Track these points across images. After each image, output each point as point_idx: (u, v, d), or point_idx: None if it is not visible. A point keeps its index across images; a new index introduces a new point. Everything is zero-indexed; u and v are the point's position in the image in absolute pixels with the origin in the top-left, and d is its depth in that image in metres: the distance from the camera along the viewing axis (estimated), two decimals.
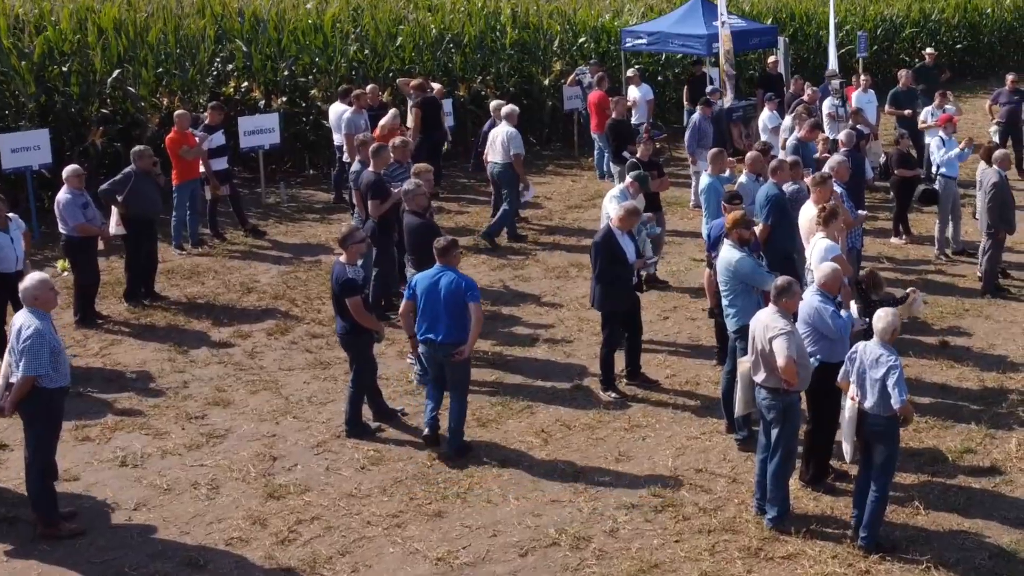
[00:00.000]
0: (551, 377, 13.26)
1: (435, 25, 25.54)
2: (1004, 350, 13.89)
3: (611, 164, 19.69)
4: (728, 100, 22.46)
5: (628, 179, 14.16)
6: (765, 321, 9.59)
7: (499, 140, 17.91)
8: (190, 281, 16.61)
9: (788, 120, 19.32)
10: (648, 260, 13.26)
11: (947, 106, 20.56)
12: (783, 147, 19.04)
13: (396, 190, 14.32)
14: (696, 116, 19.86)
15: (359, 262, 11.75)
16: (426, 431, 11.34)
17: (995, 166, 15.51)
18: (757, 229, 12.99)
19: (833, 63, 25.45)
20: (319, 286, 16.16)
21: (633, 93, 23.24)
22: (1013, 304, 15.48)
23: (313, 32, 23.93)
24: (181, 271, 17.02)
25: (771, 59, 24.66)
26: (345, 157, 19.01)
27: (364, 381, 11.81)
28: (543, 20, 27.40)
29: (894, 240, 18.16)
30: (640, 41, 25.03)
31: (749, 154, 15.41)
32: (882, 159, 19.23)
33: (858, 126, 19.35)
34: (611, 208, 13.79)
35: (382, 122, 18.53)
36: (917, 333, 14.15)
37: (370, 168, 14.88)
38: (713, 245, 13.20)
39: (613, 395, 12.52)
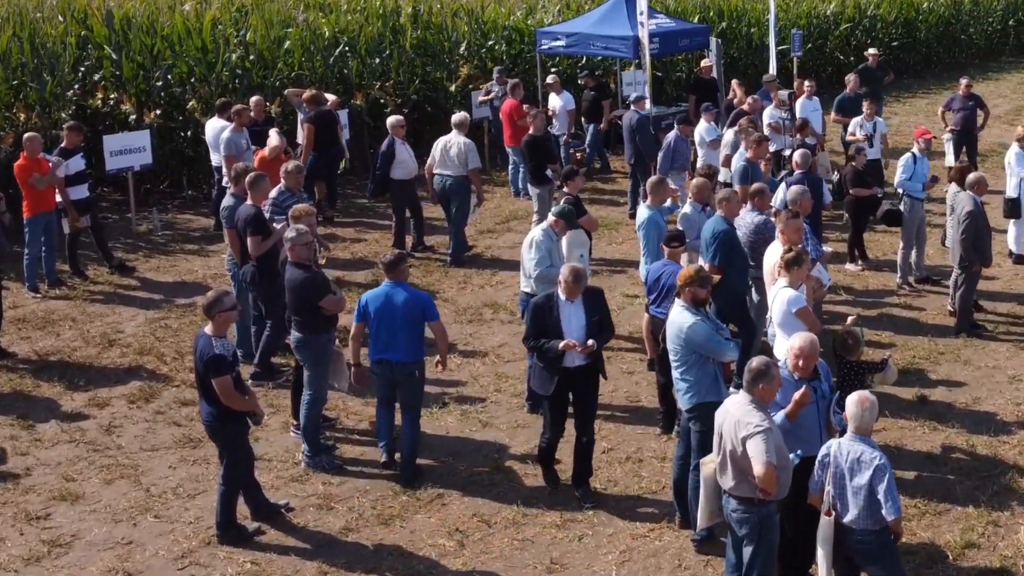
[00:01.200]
0: (465, 455, 11.56)
1: (328, 27, 23.74)
2: (991, 405, 12.50)
3: (529, 185, 17.94)
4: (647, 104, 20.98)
5: (551, 217, 12.42)
6: (736, 415, 7.92)
7: (452, 151, 17.09)
8: (43, 332, 14.82)
9: (730, 135, 17.79)
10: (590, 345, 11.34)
11: (877, 119, 19.14)
12: (723, 164, 17.58)
13: (281, 225, 12.59)
14: (671, 135, 18.30)
15: (231, 329, 9.98)
16: (384, 457, 11.15)
17: (968, 191, 14.22)
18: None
19: (773, 67, 24.09)
20: (192, 337, 14.17)
21: (553, 102, 21.67)
22: (992, 345, 14.14)
23: (191, 37, 21.92)
24: (34, 319, 15.24)
25: (704, 62, 23.21)
26: (225, 181, 17.13)
27: (237, 475, 9.99)
28: (448, 20, 25.66)
29: (850, 266, 16.77)
30: (558, 43, 23.53)
31: (694, 181, 13.81)
32: (835, 176, 17.76)
33: (806, 139, 17.92)
34: (529, 260, 12.21)
35: (270, 143, 16.68)
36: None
37: (248, 202, 13.01)
38: (657, 296, 11.61)
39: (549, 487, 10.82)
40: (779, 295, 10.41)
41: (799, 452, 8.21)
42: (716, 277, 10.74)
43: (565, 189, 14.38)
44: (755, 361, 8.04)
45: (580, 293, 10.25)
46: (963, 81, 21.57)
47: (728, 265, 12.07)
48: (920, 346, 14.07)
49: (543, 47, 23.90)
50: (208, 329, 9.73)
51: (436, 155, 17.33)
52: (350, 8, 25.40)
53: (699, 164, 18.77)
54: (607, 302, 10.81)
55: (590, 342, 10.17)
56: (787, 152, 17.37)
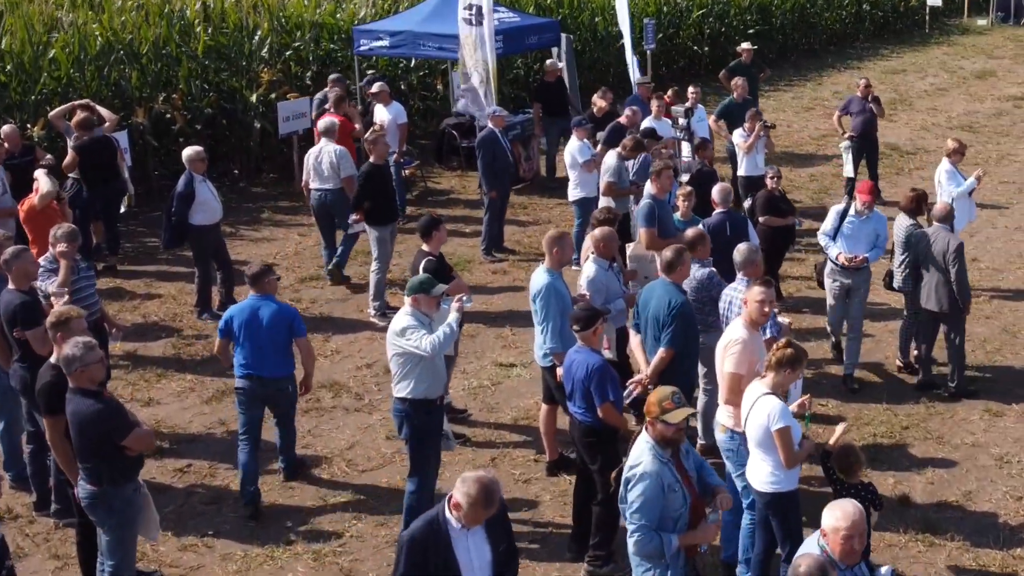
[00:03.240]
0: None
1: (101, 31, 20.86)
2: (988, 501, 10.80)
3: (365, 226, 15.55)
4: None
5: (407, 297, 10.02)
6: None
7: (324, 161, 16.22)
8: None
9: (610, 157, 15.73)
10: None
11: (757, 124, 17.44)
12: (605, 193, 15.61)
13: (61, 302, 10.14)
14: (612, 158, 16.01)
15: None
16: (249, 510, 10.72)
17: (941, 223, 12.78)
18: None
19: (634, 66, 22.32)
20: None
21: (381, 115, 19.31)
22: (959, 412, 12.54)
23: None
24: None
25: (550, 63, 21.34)
26: None
27: None
28: (245, 17, 23.05)
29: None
30: (380, 43, 21.48)
31: (596, 231, 11.63)
32: (747, 203, 15.98)
33: (706, 161, 16.05)
34: (399, 359, 9.88)
35: (39, 189, 13.86)
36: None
37: (10, 286, 10.36)
38: (570, 393, 9.53)
39: None
40: (759, 405, 8.39)
41: None
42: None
43: (425, 246, 12.09)
44: None
45: (488, 516, 7.10)
46: (861, 82, 20.15)
47: (684, 348, 10.26)
48: (877, 418, 12.33)
49: (361, 48, 21.75)
50: None
51: (309, 168, 16.47)
52: (125, 7, 22.52)
53: (572, 191, 16.82)
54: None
55: None
56: (683, 178, 15.37)
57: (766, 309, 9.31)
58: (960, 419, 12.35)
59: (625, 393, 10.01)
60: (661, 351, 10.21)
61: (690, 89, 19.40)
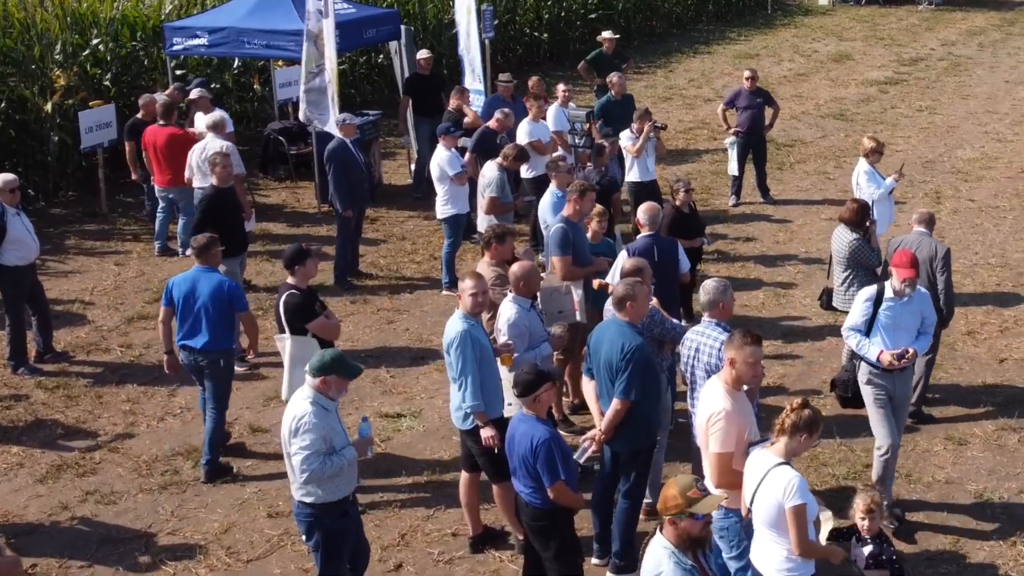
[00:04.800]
0: None
1: None
2: (982, 551, 10.13)
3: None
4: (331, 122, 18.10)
5: (312, 380, 8.76)
6: None
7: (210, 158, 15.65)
8: None
9: (492, 170, 14.70)
10: None
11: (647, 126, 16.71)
12: (487, 211, 14.62)
13: None
14: (493, 170, 15.23)
15: None
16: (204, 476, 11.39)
17: (923, 227, 12.25)
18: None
19: (477, 70, 21.36)
20: None
21: (201, 124, 17.93)
22: (919, 443, 11.89)
23: None
24: None
25: (423, 54, 20.30)
26: None
27: None
28: (32, 16, 21.31)
29: None
30: (197, 41, 20.19)
31: (513, 268, 10.49)
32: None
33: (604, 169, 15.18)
34: (300, 455, 8.61)
35: None
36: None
37: None
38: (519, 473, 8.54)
39: None
40: (773, 477, 7.43)
41: None
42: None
43: (291, 280, 10.89)
44: None
45: None
46: (747, 73, 19.63)
47: (642, 396, 9.31)
48: (834, 456, 11.61)
49: (175, 47, 20.42)
50: None
51: (193, 164, 16.39)
52: None
53: (441, 208, 15.76)
54: None
55: None
56: None
57: (760, 372, 8.36)
58: (923, 451, 11.73)
59: (577, 453, 9.07)
60: (616, 403, 9.24)
61: (560, 87, 18.48)
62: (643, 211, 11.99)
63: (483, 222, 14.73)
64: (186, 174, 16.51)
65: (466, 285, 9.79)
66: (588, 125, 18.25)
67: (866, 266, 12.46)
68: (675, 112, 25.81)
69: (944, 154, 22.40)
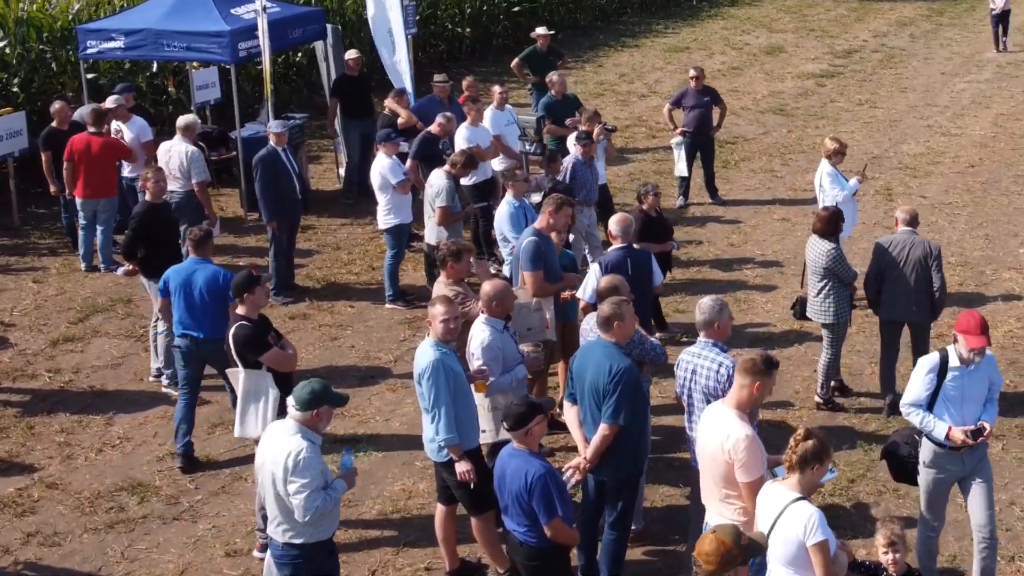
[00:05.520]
0: None
1: None
2: None
3: (142, 277, 13.83)
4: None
5: (297, 411, 8.44)
6: None
7: (174, 161, 16.16)
8: None
9: (440, 179, 14.43)
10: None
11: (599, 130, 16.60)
12: (440, 222, 14.45)
13: None
14: (569, 159, 15.62)
15: None
16: (184, 460, 11.96)
17: (909, 225, 12.54)
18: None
19: (402, 52, 21.04)
20: None
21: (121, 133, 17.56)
22: None
23: None
24: None
25: (352, 54, 20.02)
26: None
27: None
28: None
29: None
30: (112, 44, 19.67)
31: (488, 287, 10.21)
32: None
33: (558, 177, 14.98)
34: (297, 494, 8.26)
35: None
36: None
37: None
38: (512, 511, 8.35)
39: None
40: (791, 514, 7.28)
41: None
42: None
43: (240, 309, 10.54)
44: None
45: None
46: (692, 72, 19.63)
47: (631, 421, 9.13)
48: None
49: (89, 50, 19.89)
50: None
51: (166, 167, 15.97)
52: None
53: (383, 218, 15.51)
54: None
55: None
56: (535, 198, 14.15)
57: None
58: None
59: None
60: (604, 427, 9.05)
61: (496, 88, 18.26)
62: (616, 222, 11.77)
63: (433, 233, 14.48)
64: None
65: (437, 311, 9.50)
66: (546, 127, 18.12)
67: (843, 278, 12.46)
68: (609, 109, 25.76)
69: (889, 149, 22.56)
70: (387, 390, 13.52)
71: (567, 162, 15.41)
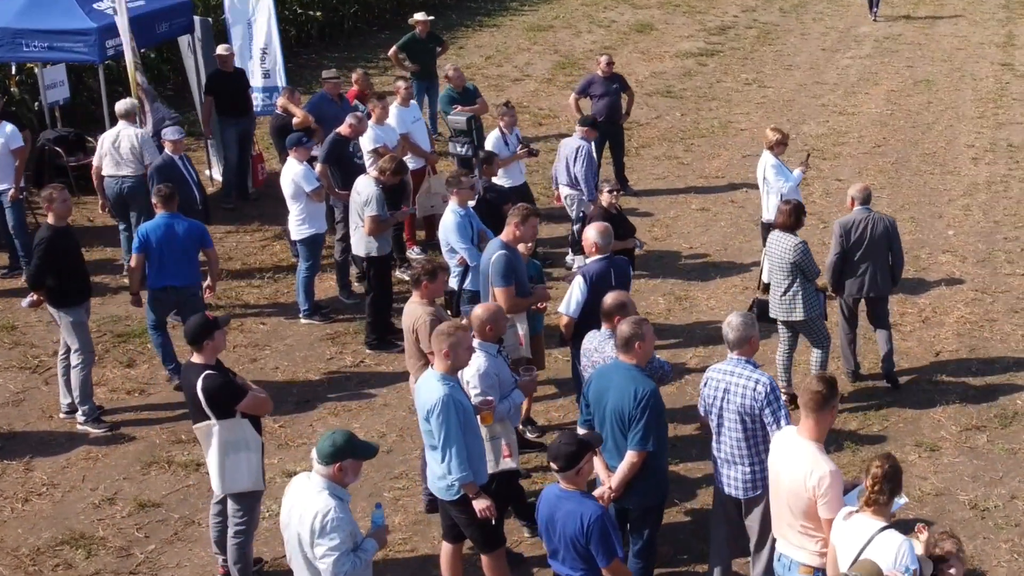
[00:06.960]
0: None
1: None
2: (1001, 567, 10.43)
3: (51, 308, 13.38)
4: (149, 127, 17.66)
5: (324, 466, 8.26)
6: None
7: (124, 145, 16.49)
8: None
9: (369, 186, 14.25)
10: None
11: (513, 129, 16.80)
12: (371, 232, 14.30)
13: None
14: (586, 145, 16.62)
15: None
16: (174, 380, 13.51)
17: (864, 204, 13.33)
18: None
19: (277, 62, 20.79)
20: None
21: None
22: (890, 450, 11.84)
23: None
24: None
25: (223, 48, 19.67)
26: None
27: None
28: None
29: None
30: None
31: (480, 310, 10.12)
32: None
33: (492, 179, 14.98)
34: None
35: None
36: None
37: None
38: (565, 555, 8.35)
39: None
40: (881, 544, 7.60)
41: None
42: None
43: (197, 358, 10.11)
44: None
45: None
46: (602, 59, 19.73)
47: (659, 446, 9.24)
48: None
49: None
50: None
51: (104, 153, 16.64)
52: None
53: (296, 228, 15.34)
54: None
55: None
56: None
57: None
58: (899, 461, 11.90)
59: None
60: (632, 455, 9.07)
61: (400, 84, 18.07)
62: (597, 233, 11.66)
63: (362, 244, 14.33)
64: (95, 163, 16.79)
65: (443, 339, 9.39)
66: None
67: (808, 274, 12.68)
68: (484, 95, 25.57)
69: (791, 131, 22.85)
70: (328, 415, 13.35)
71: (583, 147, 16.46)
